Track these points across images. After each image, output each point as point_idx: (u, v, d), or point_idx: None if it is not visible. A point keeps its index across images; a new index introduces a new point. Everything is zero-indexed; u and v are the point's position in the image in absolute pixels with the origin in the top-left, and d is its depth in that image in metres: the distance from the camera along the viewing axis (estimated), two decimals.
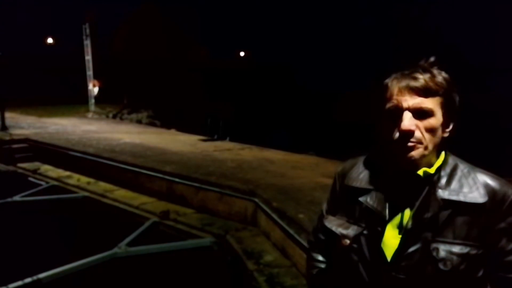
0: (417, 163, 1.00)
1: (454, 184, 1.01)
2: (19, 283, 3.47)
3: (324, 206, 1.31)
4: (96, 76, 14.30)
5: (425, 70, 0.99)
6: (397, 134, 0.98)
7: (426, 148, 0.98)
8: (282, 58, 30.68)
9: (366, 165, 1.16)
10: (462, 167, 1.05)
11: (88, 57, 14.10)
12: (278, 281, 3.60)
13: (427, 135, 0.98)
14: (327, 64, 28.85)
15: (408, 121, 0.96)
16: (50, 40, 24.29)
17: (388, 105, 1.01)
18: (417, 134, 0.97)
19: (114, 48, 22.41)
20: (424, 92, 0.97)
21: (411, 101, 0.97)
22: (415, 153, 0.98)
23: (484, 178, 1.02)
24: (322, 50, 33.46)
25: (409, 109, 0.97)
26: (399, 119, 0.98)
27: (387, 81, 1.04)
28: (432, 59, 1.02)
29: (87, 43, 14.00)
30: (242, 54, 33.55)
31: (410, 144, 0.97)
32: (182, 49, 24.60)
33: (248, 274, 3.83)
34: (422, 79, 0.97)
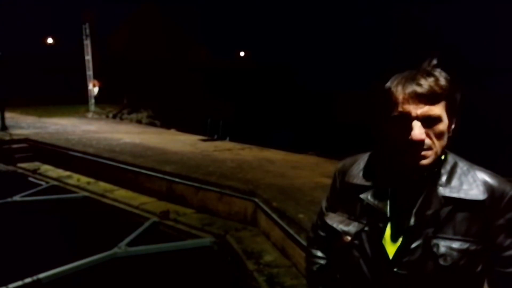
0: (425, 168, 1.00)
1: (454, 182, 1.02)
2: (19, 283, 3.47)
3: (324, 203, 1.32)
4: (96, 76, 14.30)
5: (428, 74, 0.98)
6: (406, 143, 0.97)
7: (436, 153, 0.99)
8: (282, 58, 30.68)
9: (367, 162, 1.17)
10: (462, 165, 1.06)
11: (88, 57, 14.10)
12: (278, 281, 3.60)
13: (436, 141, 0.98)
14: (327, 64, 28.86)
15: (418, 130, 0.95)
16: (50, 40, 24.28)
17: (395, 113, 0.99)
18: (427, 141, 0.97)
19: (114, 48, 22.39)
20: (430, 98, 0.96)
21: (419, 109, 0.96)
22: (426, 161, 0.98)
23: (483, 176, 1.03)
24: (322, 50, 33.46)
25: (417, 118, 0.96)
26: (408, 128, 0.97)
27: (390, 85, 1.01)
28: (434, 61, 1.01)
29: (87, 43, 14.00)
30: (242, 54, 33.54)
31: (421, 153, 0.97)
32: (182, 49, 24.59)
33: (248, 274, 3.83)
34: (427, 84, 0.96)
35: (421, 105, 0.96)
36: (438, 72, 0.99)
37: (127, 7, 25.98)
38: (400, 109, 0.98)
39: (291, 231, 3.80)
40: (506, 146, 10.96)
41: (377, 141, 1.10)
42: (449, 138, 1.03)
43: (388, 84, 1.02)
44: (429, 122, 0.97)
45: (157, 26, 24.50)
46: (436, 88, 0.96)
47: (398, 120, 0.98)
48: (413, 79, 0.97)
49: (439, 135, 0.98)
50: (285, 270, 3.80)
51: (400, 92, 0.98)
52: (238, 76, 24.10)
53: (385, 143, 1.05)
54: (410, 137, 0.96)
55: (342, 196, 1.20)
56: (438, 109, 0.97)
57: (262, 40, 35.01)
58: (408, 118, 0.97)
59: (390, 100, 1.00)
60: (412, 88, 0.96)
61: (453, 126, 1.03)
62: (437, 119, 0.97)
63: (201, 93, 19.84)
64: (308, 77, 25.86)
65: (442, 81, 0.97)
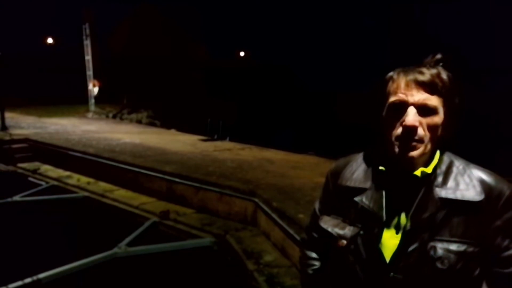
0: (415, 162, 1.00)
1: (451, 182, 1.01)
2: (19, 283, 3.47)
3: (317, 205, 1.30)
4: (96, 76, 14.29)
5: (431, 66, 1.00)
6: (399, 130, 0.98)
7: (426, 146, 0.98)
8: (282, 58, 30.69)
9: (360, 164, 1.15)
10: (458, 164, 1.05)
11: (88, 57, 14.10)
12: (278, 281, 3.60)
13: (428, 133, 0.98)
14: (327, 64, 28.86)
15: (412, 117, 0.96)
16: (50, 40, 24.31)
17: (394, 99, 1.00)
18: (420, 131, 0.97)
19: (114, 48, 22.39)
20: (430, 87, 0.97)
21: (417, 96, 0.97)
22: (415, 152, 0.98)
23: (480, 175, 1.02)
24: (322, 50, 33.47)
25: (414, 104, 0.97)
26: (403, 114, 0.98)
27: (392, 74, 1.03)
28: (438, 56, 1.02)
29: (87, 43, 14.00)
30: (242, 54, 33.57)
31: (411, 142, 0.97)
32: (182, 49, 24.59)
33: (248, 274, 3.83)
34: (428, 74, 0.97)
35: (420, 92, 0.97)
36: (440, 68, 1.01)
37: (127, 7, 25.99)
38: (399, 94, 0.99)
39: (291, 231, 3.80)
40: (505, 146, 10.96)
41: (373, 136, 1.09)
42: (443, 138, 1.02)
43: (391, 73, 1.04)
44: (424, 111, 0.97)
45: (156, 26, 24.49)
46: (437, 80, 0.97)
47: (395, 106, 0.99)
48: (416, 69, 1.00)
49: (432, 128, 0.98)
50: (285, 270, 3.80)
51: (401, 79, 1.00)
52: (239, 76, 24.10)
53: (380, 133, 1.05)
54: (404, 123, 0.96)
55: (336, 199, 1.18)
56: (435, 101, 0.97)
57: (262, 40, 35.04)
58: (404, 104, 0.98)
59: (390, 87, 1.02)
60: (414, 75, 0.98)
61: (450, 127, 1.02)
62: (433, 110, 0.97)
63: (201, 93, 19.85)
64: (308, 77, 25.86)
65: (444, 76, 0.99)
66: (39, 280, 3.57)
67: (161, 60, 21.76)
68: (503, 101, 16.58)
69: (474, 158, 1.11)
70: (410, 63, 1.05)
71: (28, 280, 3.51)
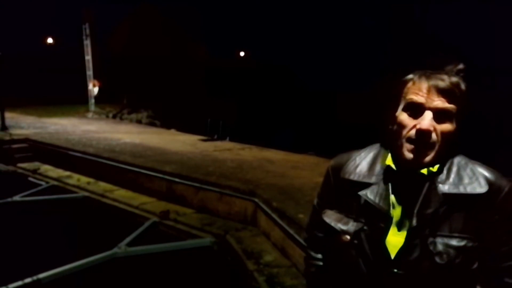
0: (424, 166, 1.01)
1: (453, 177, 1.03)
2: (19, 283, 3.47)
3: (316, 201, 1.30)
4: (96, 76, 14.29)
5: (452, 75, 1.01)
6: (412, 132, 0.99)
7: (436, 152, 1.00)
8: (282, 58, 30.70)
9: (364, 158, 1.15)
10: (459, 159, 1.07)
11: (88, 57, 14.09)
12: (278, 281, 3.60)
13: (441, 139, 0.99)
14: (327, 64, 28.86)
15: (428, 121, 0.98)
16: (50, 40, 24.33)
17: (413, 98, 1.00)
18: (434, 136, 0.98)
19: (114, 48, 22.37)
20: (449, 95, 0.98)
21: (436, 102, 0.98)
22: (426, 159, 1.00)
23: (481, 170, 1.04)
24: (322, 50, 33.48)
25: (431, 109, 0.98)
26: (419, 116, 0.99)
27: (413, 76, 1.04)
28: (460, 66, 1.03)
29: (87, 43, 13.99)
30: (242, 54, 33.59)
31: (423, 147, 0.98)
32: (183, 49, 24.58)
33: (248, 274, 3.83)
34: (449, 82, 0.99)
35: (439, 99, 0.98)
36: (461, 78, 1.02)
37: (127, 7, 25.99)
38: (419, 96, 1.00)
39: (291, 231, 3.80)
40: (505, 146, 10.96)
41: (384, 134, 1.10)
42: (452, 144, 1.03)
43: (410, 76, 1.05)
44: (440, 117, 0.99)
45: (156, 26, 24.49)
46: (456, 90, 0.99)
47: (413, 106, 1.01)
48: (438, 75, 1.01)
49: (445, 135, 0.99)
50: (285, 270, 3.80)
51: (423, 82, 1.01)
52: (239, 76, 24.10)
53: (391, 133, 1.06)
54: (418, 126, 0.98)
55: (337, 193, 1.18)
56: (452, 109, 0.99)
57: (262, 40, 35.07)
58: (422, 107, 0.99)
59: (410, 88, 1.03)
60: (436, 81, 0.99)
61: (458, 134, 1.03)
62: (448, 118, 0.99)
63: (201, 93, 19.84)
64: (308, 77, 25.87)
65: (462, 86, 1.01)
66: (39, 280, 3.57)
67: (161, 60, 21.75)
68: (503, 101, 16.58)
69: (474, 158, 1.12)
70: (410, 63, 1.06)
71: (28, 280, 3.51)
